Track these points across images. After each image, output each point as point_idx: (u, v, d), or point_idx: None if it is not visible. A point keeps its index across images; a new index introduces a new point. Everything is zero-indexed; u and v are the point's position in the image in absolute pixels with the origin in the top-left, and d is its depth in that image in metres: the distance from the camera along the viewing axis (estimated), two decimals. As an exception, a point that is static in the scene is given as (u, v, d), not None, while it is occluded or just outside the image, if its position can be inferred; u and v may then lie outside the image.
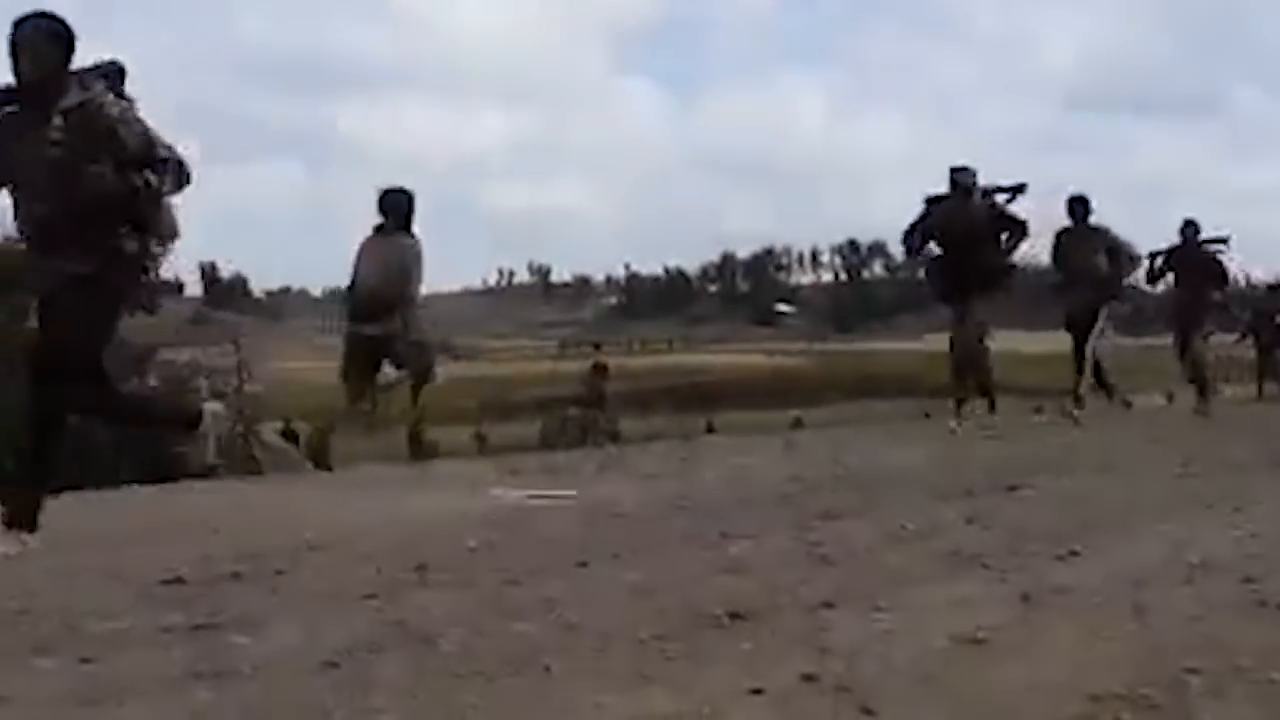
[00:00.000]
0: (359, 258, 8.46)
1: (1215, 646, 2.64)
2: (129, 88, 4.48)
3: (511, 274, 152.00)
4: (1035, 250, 11.29)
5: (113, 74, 4.46)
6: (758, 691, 2.38)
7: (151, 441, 12.54)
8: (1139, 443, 8.08)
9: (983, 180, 9.50)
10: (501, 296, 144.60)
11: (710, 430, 20.30)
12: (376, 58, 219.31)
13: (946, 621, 2.89)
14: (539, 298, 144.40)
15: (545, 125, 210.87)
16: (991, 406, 9.91)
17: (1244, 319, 17.83)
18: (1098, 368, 10.22)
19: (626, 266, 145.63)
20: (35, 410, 4.36)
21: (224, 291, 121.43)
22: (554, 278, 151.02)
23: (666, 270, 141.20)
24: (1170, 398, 17.09)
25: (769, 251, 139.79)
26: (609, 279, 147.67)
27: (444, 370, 9.16)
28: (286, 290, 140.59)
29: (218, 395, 13.75)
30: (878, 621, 2.91)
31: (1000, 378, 10.35)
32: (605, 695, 2.38)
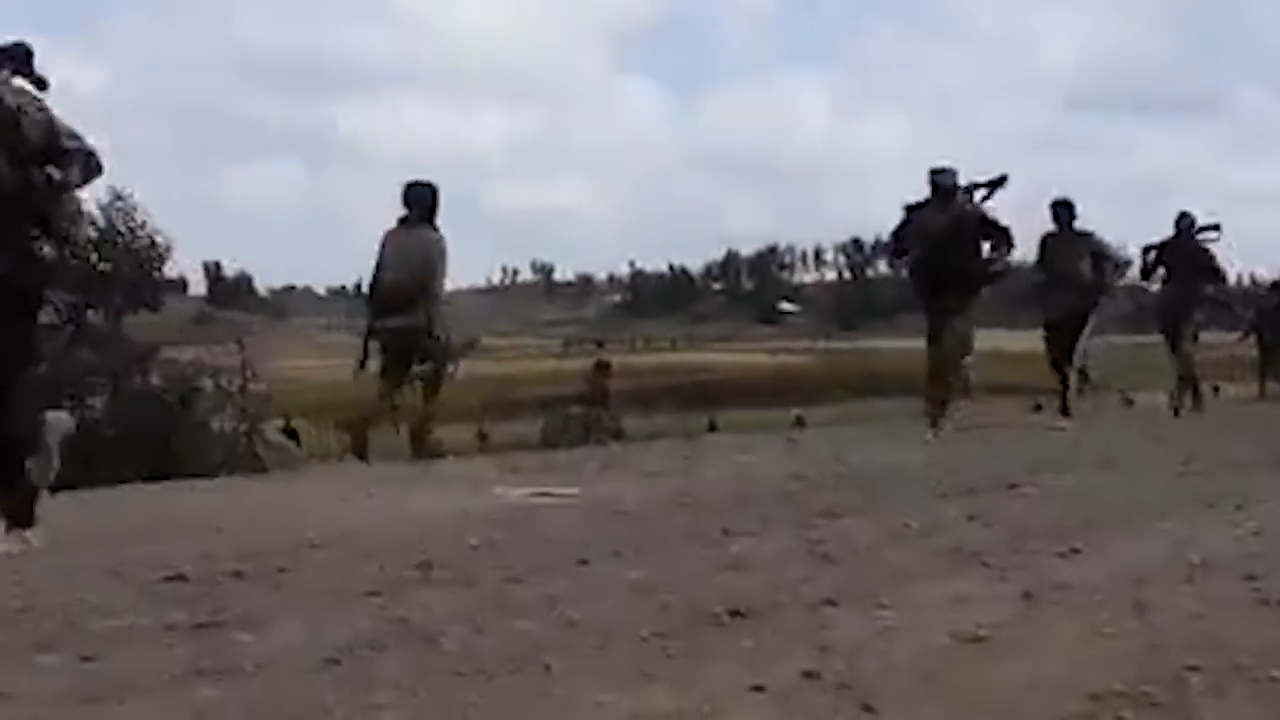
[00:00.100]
0: (382, 250, 8.45)
1: (1216, 644, 2.63)
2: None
3: (515, 272, 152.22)
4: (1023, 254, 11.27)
5: (20, 57, 4.15)
6: (759, 689, 2.38)
7: (154, 440, 12.58)
8: (1140, 441, 8.08)
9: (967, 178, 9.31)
10: (505, 295, 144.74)
11: (713, 429, 20.29)
12: (379, 57, 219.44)
13: (947, 619, 2.89)
14: (542, 296, 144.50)
15: (548, 124, 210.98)
16: (935, 417, 9.09)
17: (1247, 317, 17.80)
18: (1083, 372, 10.25)
19: (630, 264, 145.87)
20: None
21: (228, 290, 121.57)
22: (557, 276, 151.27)
23: (671, 268, 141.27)
24: (1173, 396, 17.07)
25: (772, 250, 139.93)
26: (612, 277, 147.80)
27: (464, 367, 9.12)
28: (291, 288, 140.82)
29: (222, 394, 13.81)
30: (879, 619, 2.91)
31: (981, 379, 10.20)
32: (606, 693, 2.38)
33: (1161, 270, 11.51)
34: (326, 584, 3.52)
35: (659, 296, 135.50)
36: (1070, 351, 10.06)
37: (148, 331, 14.77)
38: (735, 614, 2.96)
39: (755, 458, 7.21)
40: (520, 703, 2.37)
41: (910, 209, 9.05)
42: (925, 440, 8.29)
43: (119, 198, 14.33)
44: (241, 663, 2.64)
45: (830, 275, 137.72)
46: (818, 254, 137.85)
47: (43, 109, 4.07)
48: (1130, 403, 14.05)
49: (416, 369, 8.34)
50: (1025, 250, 11.10)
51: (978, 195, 8.99)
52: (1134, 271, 11.70)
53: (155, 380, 13.86)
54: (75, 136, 4.11)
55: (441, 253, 8.40)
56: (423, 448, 8.31)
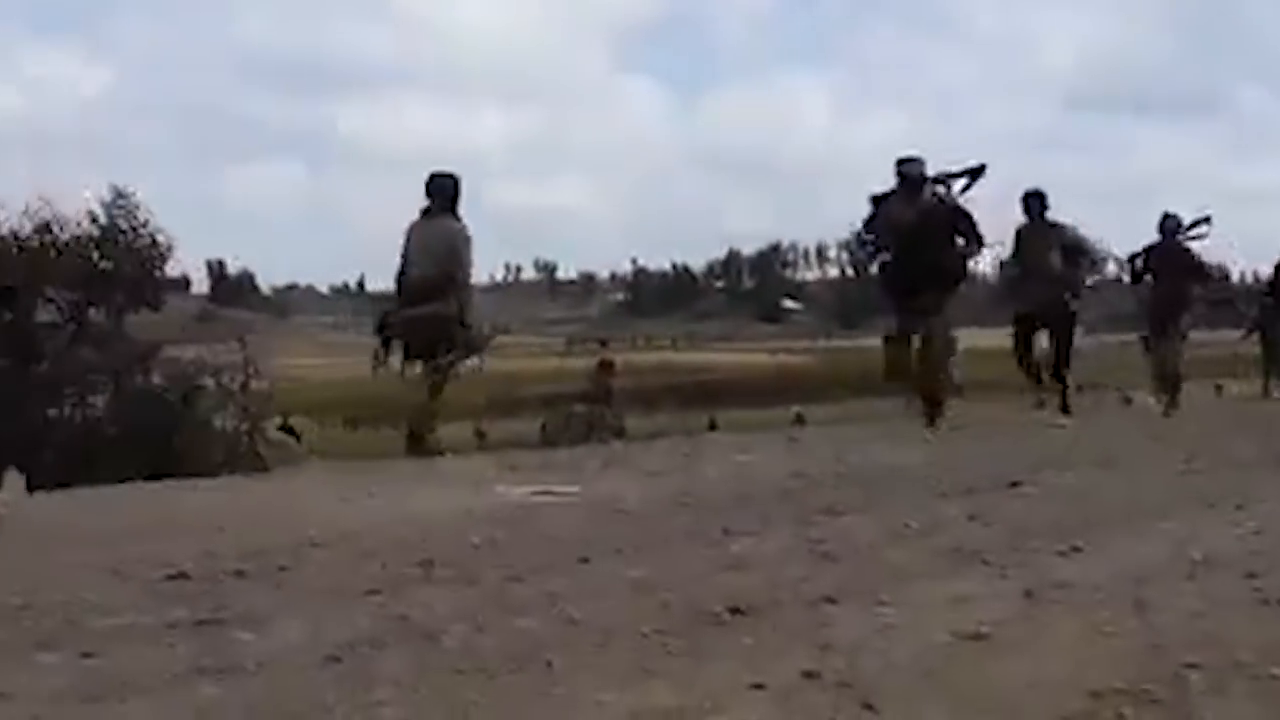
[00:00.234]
0: (407, 242, 8.49)
1: (1217, 642, 2.63)
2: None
3: (519, 270, 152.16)
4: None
5: None
6: (759, 687, 2.38)
7: (156, 438, 12.59)
8: (1141, 439, 8.07)
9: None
10: (508, 293, 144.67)
11: (713, 427, 20.29)
12: (381, 56, 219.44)
13: (948, 617, 2.89)
14: (545, 294, 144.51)
15: (549, 123, 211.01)
16: (932, 416, 8.89)
17: (1250, 315, 17.77)
18: (1057, 370, 10.00)
19: (633, 263, 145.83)
20: None
21: (230, 288, 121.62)
22: (560, 274, 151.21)
23: (673, 266, 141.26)
24: (1160, 397, 17.07)
25: (775, 248, 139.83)
26: (614, 275, 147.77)
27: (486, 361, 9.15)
28: (293, 287, 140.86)
29: (224, 393, 13.82)
30: (879, 617, 2.91)
31: (965, 377, 10.04)
32: (607, 691, 2.38)
33: (1150, 274, 11.40)
34: (327, 582, 3.52)
35: (661, 295, 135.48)
36: (1064, 357, 9.92)
37: (150, 330, 14.77)
38: (736, 612, 2.96)
39: (756, 456, 7.21)
40: (521, 701, 2.37)
41: (877, 199, 8.72)
42: (926, 439, 8.13)
43: (121, 196, 14.32)
44: (243, 661, 2.64)
45: (833, 273, 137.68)
46: (820, 251, 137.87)
47: None
48: (1129, 401, 14.02)
49: (437, 360, 8.31)
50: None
51: (956, 186, 8.66)
52: (1111, 270, 11.64)
53: (157, 379, 13.86)
54: None
55: (466, 240, 8.43)
56: (421, 446, 8.28)
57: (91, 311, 13.76)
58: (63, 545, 4.26)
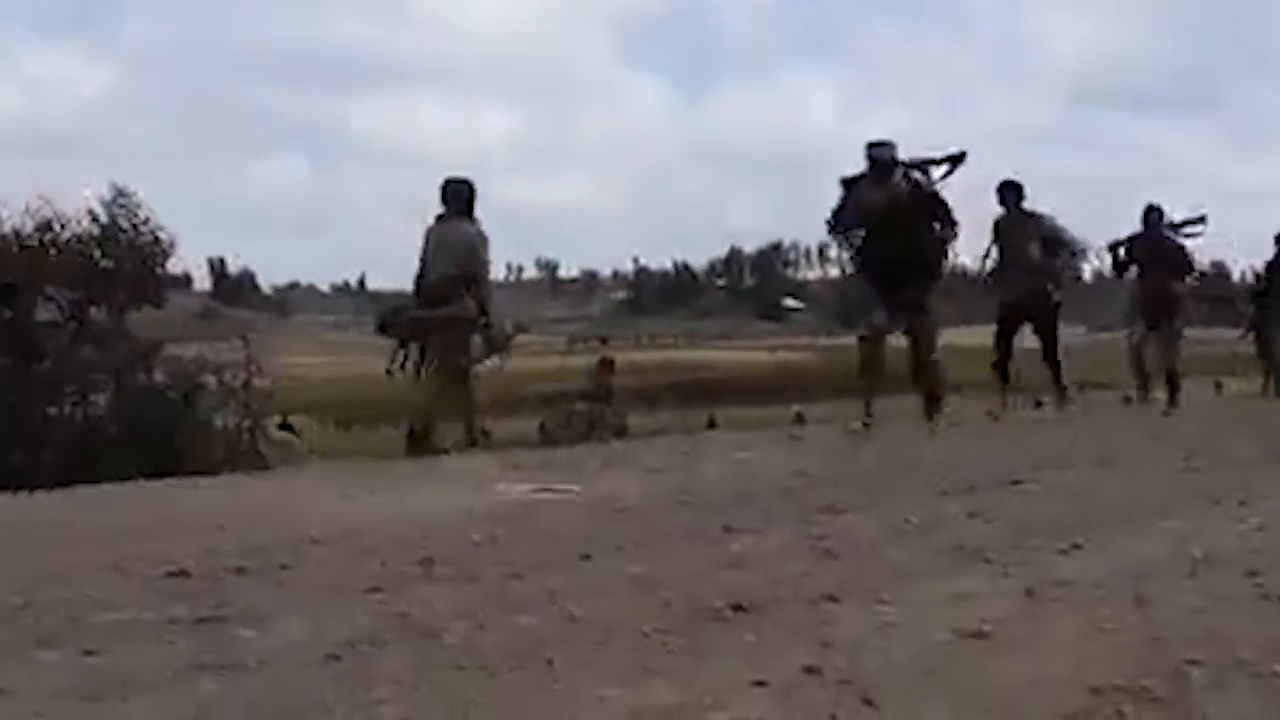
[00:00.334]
0: (425, 246, 8.62)
1: (1218, 639, 2.63)
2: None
3: (520, 269, 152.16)
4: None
5: None
6: (760, 684, 2.38)
7: (157, 437, 12.59)
8: (1142, 437, 8.06)
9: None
10: (510, 291, 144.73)
11: (712, 425, 20.27)
12: (383, 54, 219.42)
13: (949, 615, 2.89)
14: (547, 293, 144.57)
15: (552, 120, 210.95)
16: (931, 411, 8.67)
17: (1248, 314, 17.73)
18: (1048, 361, 9.86)
19: (634, 261, 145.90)
20: None
21: (232, 287, 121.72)
22: (561, 273, 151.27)
23: (675, 265, 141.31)
24: (1168, 397, 16.98)
25: (776, 247, 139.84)
26: (616, 273, 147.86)
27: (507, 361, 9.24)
28: (295, 285, 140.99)
29: (225, 391, 13.82)
30: (880, 615, 2.91)
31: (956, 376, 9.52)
32: (607, 688, 2.38)
33: (1134, 266, 11.14)
34: (328, 580, 3.52)
35: (662, 293, 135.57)
36: (1051, 348, 9.79)
37: (151, 328, 14.75)
38: (736, 609, 2.96)
39: (756, 454, 7.21)
40: (522, 698, 2.37)
41: (847, 183, 8.39)
42: (850, 428, 8.02)
43: (121, 194, 14.31)
44: (243, 658, 2.64)
45: (834, 272, 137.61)
46: (821, 250, 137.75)
47: None
48: (1128, 399, 13.95)
49: (459, 358, 8.46)
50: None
51: (936, 172, 8.35)
52: (1098, 262, 11.33)
53: (159, 377, 13.85)
54: None
55: (484, 241, 8.61)
56: (424, 445, 8.33)
57: (92, 310, 13.75)
58: (64, 543, 4.27)
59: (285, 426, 16.36)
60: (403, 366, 8.61)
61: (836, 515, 4.48)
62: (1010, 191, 9.87)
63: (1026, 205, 10.08)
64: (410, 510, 5.06)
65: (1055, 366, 9.99)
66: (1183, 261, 11.08)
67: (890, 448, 7.27)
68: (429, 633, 2.84)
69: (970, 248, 10.30)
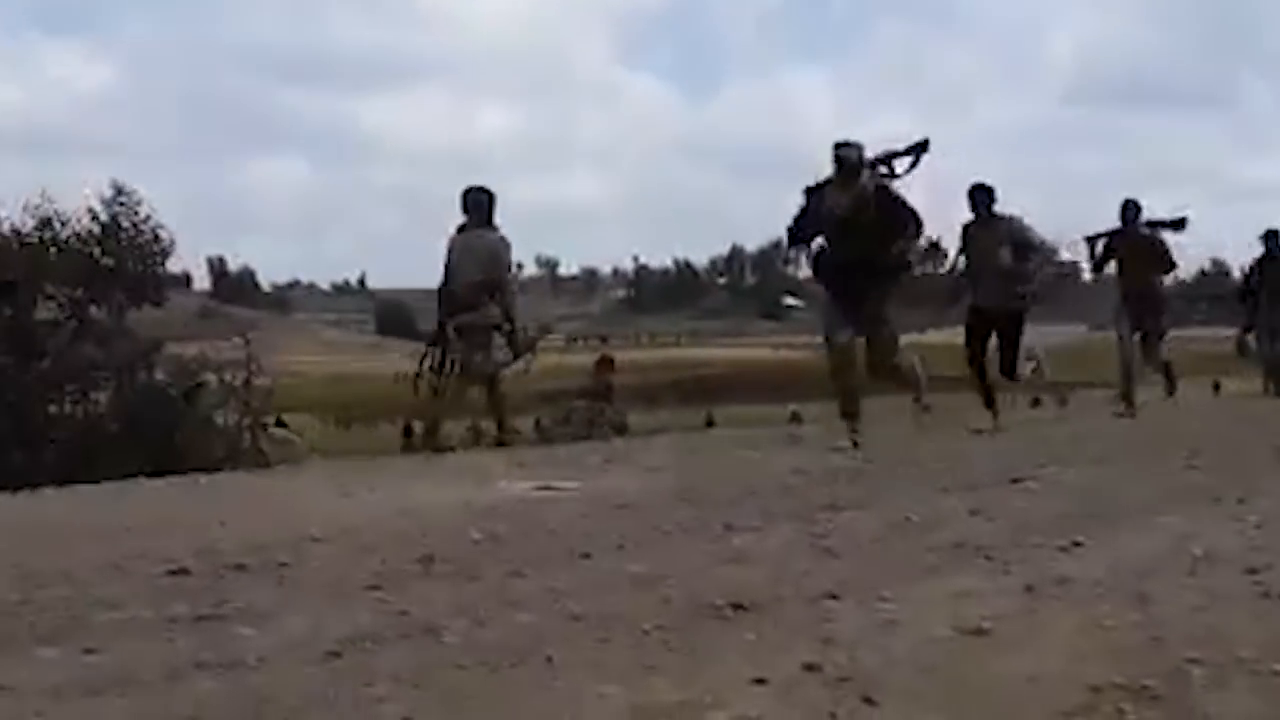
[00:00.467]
0: (449, 255, 8.83)
1: (1218, 638, 2.63)
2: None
3: (520, 267, 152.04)
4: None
5: None
6: (760, 681, 2.39)
7: (157, 435, 12.59)
8: (1143, 435, 8.06)
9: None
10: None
11: (710, 424, 20.24)
12: (383, 53, 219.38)
13: (949, 612, 2.89)
14: (547, 291, 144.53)
15: (553, 118, 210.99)
16: (917, 400, 8.40)
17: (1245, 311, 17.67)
18: (981, 370, 9.43)
19: (635, 259, 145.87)
20: None
21: (232, 285, 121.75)
22: (561, 270, 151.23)
23: (676, 263, 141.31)
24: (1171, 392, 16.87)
25: (777, 245, 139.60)
26: (616, 271, 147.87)
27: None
28: (295, 284, 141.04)
29: (226, 389, 13.83)
30: (881, 612, 2.91)
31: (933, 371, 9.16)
32: (608, 685, 2.38)
33: (1114, 263, 10.72)
34: (328, 578, 3.52)
35: (663, 291, 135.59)
36: (1012, 358, 9.38)
37: (152, 327, 14.76)
38: (737, 607, 2.96)
39: (757, 452, 7.21)
40: (522, 695, 2.37)
41: (810, 191, 7.99)
42: (835, 446, 7.37)
43: (121, 192, 14.32)
44: (243, 656, 2.64)
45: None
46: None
47: None
48: (1130, 404, 13.87)
49: (485, 362, 8.64)
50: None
51: (901, 164, 7.99)
52: (1081, 260, 10.90)
53: (159, 375, 13.85)
54: None
55: (507, 248, 8.86)
56: (431, 441, 8.51)
57: (93, 308, 13.75)
58: (64, 541, 4.26)
59: (280, 424, 16.36)
60: (432, 369, 8.81)
61: (837, 513, 4.48)
62: (981, 194, 9.45)
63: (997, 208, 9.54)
64: (410, 508, 5.06)
65: (1012, 378, 9.56)
66: (1164, 257, 10.68)
67: (890, 446, 7.27)
68: (429, 630, 2.84)
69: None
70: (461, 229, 8.85)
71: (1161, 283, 10.84)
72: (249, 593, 3.30)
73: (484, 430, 9.83)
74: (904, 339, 8.37)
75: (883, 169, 7.93)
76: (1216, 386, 21.41)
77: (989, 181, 9.42)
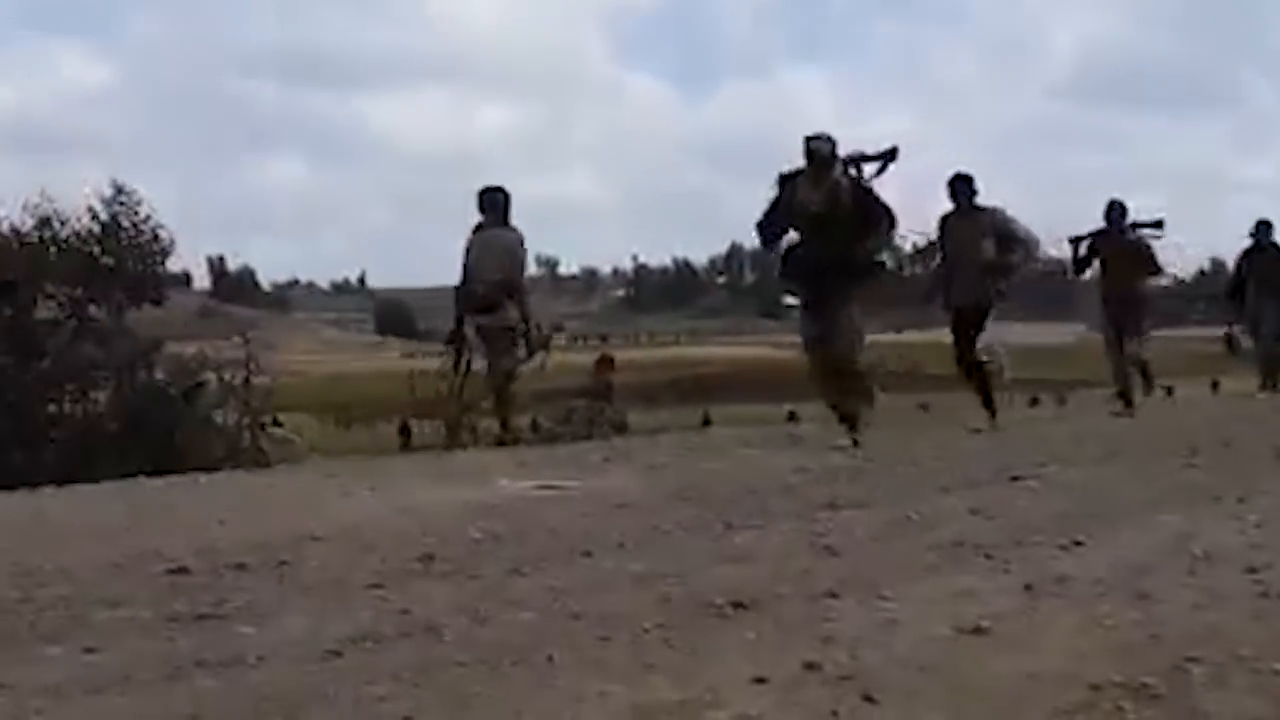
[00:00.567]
0: (468, 254, 8.93)
1: (1218, 636, 2.63)
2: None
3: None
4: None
5: None
6: (761, 680, 2.39)
7: (157, 434, 12.60)
8: (1142, 434, 8.06)
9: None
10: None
11: (707, 423, 20.23)
12: (383, 51, 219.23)
13: (949, 611, 2.89)
14: (547, 290, 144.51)
15: (552, 117, 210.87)
16: (854, 424, 7.69)
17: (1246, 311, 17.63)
18: (978, 366, 9.08)
19: (634, 258, 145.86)
20: None
21: (231, 284, 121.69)
22: (561, 270, 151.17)
23: (675, 262, 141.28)
24: (1170, 391, 16.78)
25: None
26: (616, 271, 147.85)
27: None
28: (295, 283, 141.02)
29: (225, 388, 13.84)
30: (881, 611, 2.92)
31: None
32: (609, 684, 2.39)
33: (1097, 264, 10.48)
34: (328, 576, 3.52)
35: (662, 290, 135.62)
36: (972, 341, 9.04)
37: (151, 326, 14.77)
38: (737, 606, 2.96)
39: (757, 450, 7.21)
40: (523, 694, 2.37)
41: (784, 178, 7.73)
42: (838, 446, 7.13)
43: (121, 191, 14.32)
44: (243, 654, 2.64)
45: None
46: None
47: None
48: (1128, 403, 13.86)
49: (505, 361, 8.79)
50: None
51: (868, 170, 7.73)
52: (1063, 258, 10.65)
53: (159, 374, 13.86)
54: None
55: (521, 243, 8.98)
56: (455, 439, 8.90)
57: (92, 308, 13.75)
58: (64, 540, 4.26)
59: (276, 424, 16.36)
60: (455, 369, 9.03)
61: (837, 511, 4.48)
62: (962, 185, 9.09)
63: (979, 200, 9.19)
64: (410, 506, 5.06)
65: (975, 367, 9.17)
66: (1149, 260, 10.46)
67: (890, 444, 7.27)
68: (430, 629, 2.84)
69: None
70: (478, 228, 8.93)
71: (1145, 285, 10.58)
72: (249, 591, 3.30)
73: (480, 430, 9.87)
74: (893, 338, 8.27)
75: (851, 171, 7.70)
76: (1215, 385, 21.43)
77: (969, 171, 9.16)
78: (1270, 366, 13.01)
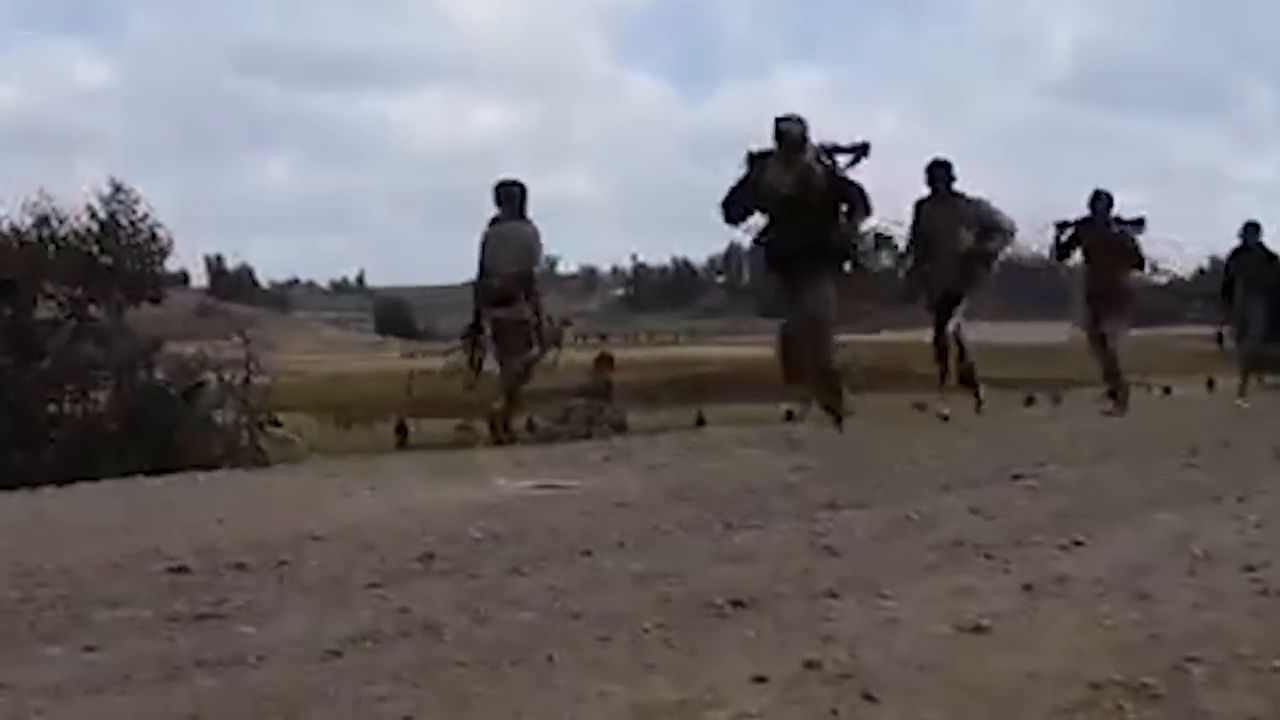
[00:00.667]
0: (484, 246, 8.96)
1: (1217, 636, 2.64)
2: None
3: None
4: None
5: None
6: (761, 679, 2.39)
7: (157, 433, 12.59)
8: (1141, 433, 8.06)
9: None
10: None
11: (701, 423, 20.20)
12: (382, 50, 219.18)
13: (949, 610, 2.89)
14: (545, 288, 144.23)
15: (550, 116, 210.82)
16: (835, 416, 7.76)
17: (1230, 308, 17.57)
18: (962, 352, 8.93)
19: (633, 257, 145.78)
20: None
21: (230, 283, 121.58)
22: (560, 269, 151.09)
23: (674, 261, 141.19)
24: (1167, 390, 16.69)
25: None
26: (615, 270, 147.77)
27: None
28: (294, 282, 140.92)
29: (224, 388, 13.84)
30: (881, 610, 2.92)
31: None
32: (609, 684, 2.39)
33: (1079, 254, 10.28)
34: (328, 576, 3.52)
35: (661, 290, 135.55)
36: (944, 328, 8.84)
37: (150, 325, 14.76)
38: (737, 605, 2.96)
39: (756, 450, 7.20)
40: (523, 693, 2.37)
41: (754, 157, 7.54)
42: (794, 440, 7.00)
43: (120, 190, 14.32)
44: (243, 654, 2.64)
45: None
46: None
47: None
48: (1116, 402, 13.82)
49: (522, 356, 8.85)
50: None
51: (840, 161, 7.58)
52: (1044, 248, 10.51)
53: (159, 374, 13.85)
54: None
55: (536, 237, 9.02)
56: (504, 432, 8.77)
57: (91, 307, 13.75)
58: (64, 540, 4.26)
59: (275, 424, 16.36)
60: (476, 367, 9.05)
61: (837, 511, 4.48)
62: (940, 171, 8.88)
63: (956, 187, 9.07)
64: (410, 506, 5.05)
65: (962, 360, 9.00)
66: (1132, 253, 10.20)
67: (890, 443, 7.27)
68: (430, 628, 2.84)
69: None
70: (494, 221, 8.96)
71: (1128, 279, 10.39)
72: (249, 591, 3.30)
73: (477, 430, 9.96)
74: (874, 338, 8.19)
75: (824, 159, 7.52)
76: (1210, 384, 21.42)
77: (947, 157, 9.01)
78: (1255, 366, 12.95)
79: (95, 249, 13.87)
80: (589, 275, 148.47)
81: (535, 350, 8.91)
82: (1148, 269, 10.98)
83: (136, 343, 13.71)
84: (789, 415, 20.77)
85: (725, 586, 3.13)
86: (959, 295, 8.85)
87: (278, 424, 16.47)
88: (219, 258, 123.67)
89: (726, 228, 7.76)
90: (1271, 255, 12.35)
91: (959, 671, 2.44)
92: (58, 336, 13.31)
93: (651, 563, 3.56)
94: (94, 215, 14.02)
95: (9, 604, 3.21)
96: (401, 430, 24.62)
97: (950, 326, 8.82)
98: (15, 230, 13.66)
